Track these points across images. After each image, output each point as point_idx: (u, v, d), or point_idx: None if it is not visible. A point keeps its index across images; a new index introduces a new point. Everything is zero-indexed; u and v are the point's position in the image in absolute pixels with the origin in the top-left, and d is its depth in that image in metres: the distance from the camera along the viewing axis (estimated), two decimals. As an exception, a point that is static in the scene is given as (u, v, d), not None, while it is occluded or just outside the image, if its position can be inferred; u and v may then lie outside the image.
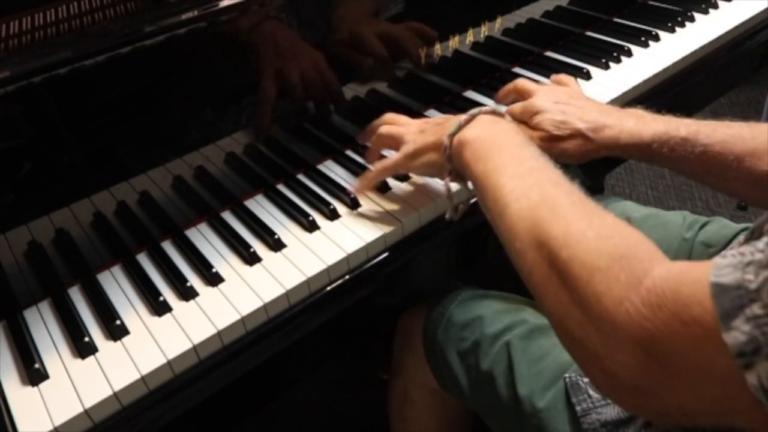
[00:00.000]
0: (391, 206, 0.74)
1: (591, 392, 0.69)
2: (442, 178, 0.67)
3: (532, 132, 0.72)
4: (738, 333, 0.35)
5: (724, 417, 0.40)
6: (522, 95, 0.78)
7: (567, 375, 0.71)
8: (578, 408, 0.68)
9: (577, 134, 0.70)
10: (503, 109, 0.66)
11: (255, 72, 0.78)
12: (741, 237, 0.79)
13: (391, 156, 0.73)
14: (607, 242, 0.45)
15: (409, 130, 0.72)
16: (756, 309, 0.35)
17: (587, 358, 0.45)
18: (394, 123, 0.76)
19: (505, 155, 0.57)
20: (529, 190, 0.52)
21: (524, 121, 0.74)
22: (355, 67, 0.86)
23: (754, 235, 0.37)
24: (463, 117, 0.64)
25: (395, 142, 0.73)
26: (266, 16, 0.74)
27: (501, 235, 0.54)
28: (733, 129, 0.65)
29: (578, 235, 0.46)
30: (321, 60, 0.80)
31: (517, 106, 0.76)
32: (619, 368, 0.41)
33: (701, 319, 0.36)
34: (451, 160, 0.64)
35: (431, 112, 0.92)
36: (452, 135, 0.63)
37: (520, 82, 0.80)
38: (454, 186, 0.67)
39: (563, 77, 0.83)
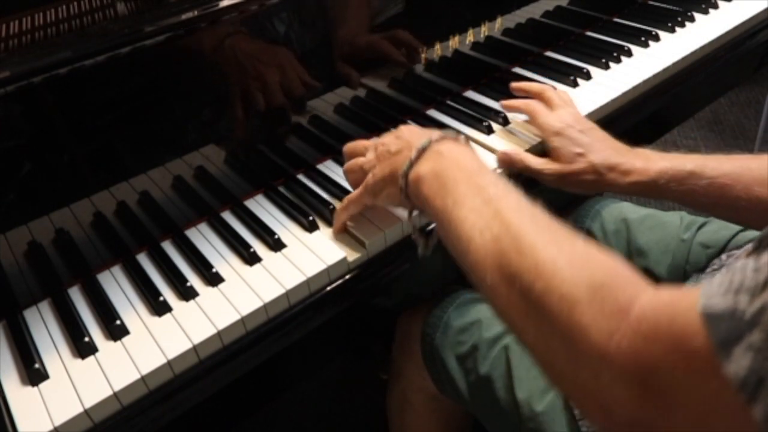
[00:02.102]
0: (393, 207, 0.74)
1: None
2: (410, 212, 0.64)
3: (546, 162, 0.75)
4: (738, 365, 0.32)
5: None
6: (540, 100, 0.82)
7: None
8: (576, 411, 0.68)
9: (591, 170, 0.72)
10: (453, 133, 0.62)
11: (255, 72, 0.78)
12: (739, 239, 0.79)
13: (353, 193, 0.70)
14: (582, 271, 0.42)
15: (368, 160, 0.68)
16: (755, 338, 0.32)
17: (579, 395, 0.42)
18: (353, 153, 0.72)
19: (462, 187, 0.55)
20: (491, 221, 0.49)
21: (543, 134, 0.78)
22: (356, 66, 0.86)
23: (762, 245, 0.35)
24: (413, 153, 0.60)
25: (361, 175, 0.69)
26: (264, 20, 0.74)
27: (470, 272, 0.50)
28: (740, 161, 0.66)
29: (550, 265, 0.44)
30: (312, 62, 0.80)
31: (540, 117, 0.79)
32: (614, 404, 0.38)
33: (702, 350, 0.34)
34: (410, 198, 0.61)
35: (431, 112, 0.92)
36: (405, 173, 0.60)
37: (547, 91, 0.83)
38: (418, 220, 0.65)
39: (563, 95, 0.84)
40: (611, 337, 0.38)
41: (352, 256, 0.69)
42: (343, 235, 0.71)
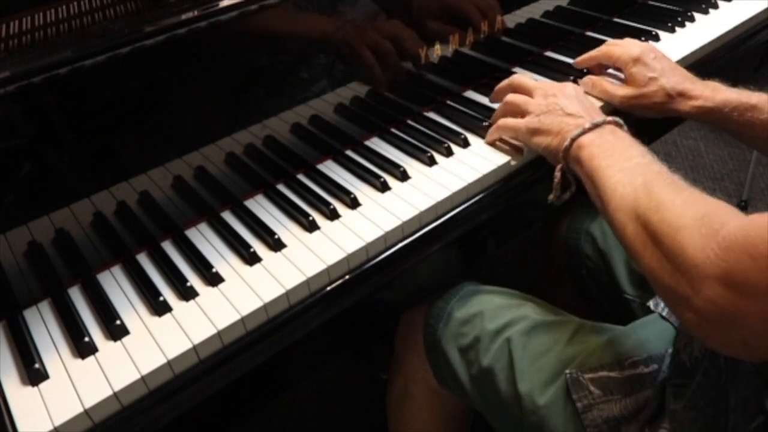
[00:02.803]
0: (392, 206, 0.74)
1: (592, 388, 0.69)
2: (553, 163, 0.75)
3: (621, 87, 0.85)
4: None
5: None
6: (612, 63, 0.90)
7: (568, 371, 0.71)
8: (579, 405, 0.68)
9: (662, 93, 0.81)
10: (621, 120, 0.73)
11: (255, 71, 0.78)
12: None
13: (515, 120, 0.79)
14: (692, 206, 0.54)
15: (537, 103, 0.78)
16: None
17: (678, 302, 0.52)
18: (520, 87, 0.82)
19: (617, 155, 0.66)
20: (634, 178, 0.61)
21: (622, 63, 0.86)
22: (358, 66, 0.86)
23: None
24: (587, 124, 0.71)
25: (519, 110, 0.79)
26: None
27: (607, 215, 0.63)
28: None
29: (668, 204, 0.55)
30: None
31: (617, 50, 0.87)
32: (704, 303, 0.49)
33: (766, 253, 0.46)
34: (567, 157, 0.71)
35: (431, 112, 0.92)
36: (574, 138, 0.70)
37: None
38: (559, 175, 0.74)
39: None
40: (703, 251, 0.50)
41: (352, 256, 0.69)
42: (343, 234, 0.71)
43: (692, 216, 0.52)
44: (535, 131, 0.76)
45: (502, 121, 0.80)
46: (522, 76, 0.84)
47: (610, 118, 0.72)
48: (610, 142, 0.68)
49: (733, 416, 0.58)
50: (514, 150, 0.81)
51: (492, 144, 0.83)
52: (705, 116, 0.80)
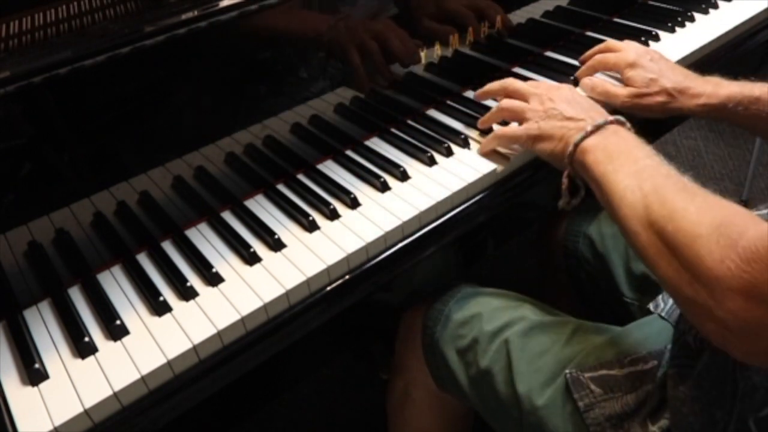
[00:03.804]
0: (392, 206, 0.74)
1: (593, 387, 0.69)
2: (559, 168, 0.73)
3: (622, 88, 0.84)
4: None
5: None
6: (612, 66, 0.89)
7: (568, 371, 0.71)
8: (581, 403, 0.68)
9: (663, 92, 0.80)
10: (623, 119, 0.71)
11: (255, 71, 0.78)
12: None
13: (513, 128, 0.77)
14: (707, 213, 0.52)
15: (534, 109, 0.75)
16: None
17: (699, 313, 0.51)
18: (515, 92, 0.79)
19: (623, 158, 0.64)
20: (643, 183, 0.59)
21: (618, 69, 0.86)
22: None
23: None
24: (589, 126, 0.68)
25: (516, 116, 0.77)
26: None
27: (619, 222, 0.61)
28: None
29: (681, 211, 0.54)
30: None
31: (612, 56, 0.87)
32: (727, 315, 0.48)
33: None
34: (572, 162, 0.69)
35: (431, 112, 0.92)
36: (577, 143, 0.68)
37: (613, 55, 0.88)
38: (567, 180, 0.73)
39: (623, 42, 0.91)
40: (723, 262, 0.48)
41: (352, 256, 0.69)
42: (343, 234, 0.71)
43: (708, 224, 0.51)
44: (536, 138, 0.74)
45: (501, 130, 0.78)
46: (516, 80, 0.81)
47: (611, 118, 0.70)
48: (615, 144, 0.67)
49: (740, 404, 0.58)
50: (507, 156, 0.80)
51: (486, 155, 0.80)
52: (709, 113, 0.80)
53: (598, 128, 0.68)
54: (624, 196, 0.60)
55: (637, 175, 0.61)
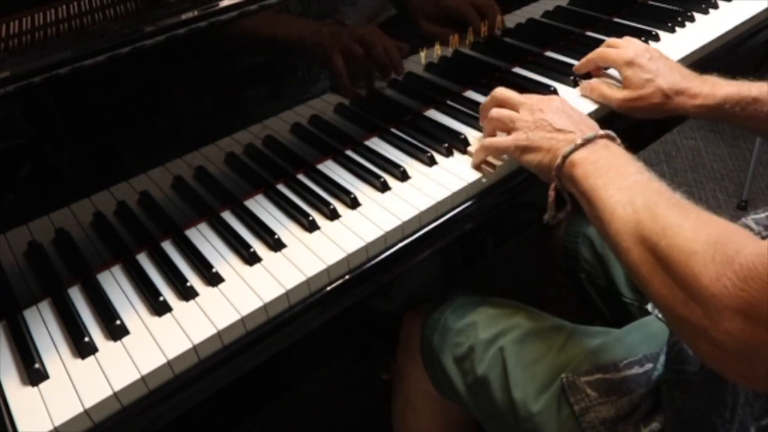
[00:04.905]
0: (392, 206, 0.74)
1: (588, 391, 0.69)
2: (545, 180, 0.71)
3: (618, 90, 0.84)
4: None
5: None
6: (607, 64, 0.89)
7: (564, 375, 0.71)
8: (576, 407, 0.69)
9: (659, 94, 0.80)
10: (611, 132, 0.70)
11: (255, 71, 0.78)
12: None
13: (501, 138, 0.75)
14: (702, 230, 0.50)
15: (524, 119, 0.74)
16: None
17: (693, 333, 0.49)
18: (505, 102, 0.78)
19: (613, 173, 0.62)
20: (634, 199, 0.57)
21: (617, 65, 0.86)
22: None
23: None
24: (579, 140, 0.67)
25: (505, 126, 0.76)
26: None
27: (609, 238, 0.59)
28: None
29: (676, 227, 0.52)
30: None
31: (612, 53, 0.86)
32: (723, 336, 0.46)
33: None
34: (560, 175, 0.68)
35: (431, 112, 0.92)
36: (566, 156, 0.67)
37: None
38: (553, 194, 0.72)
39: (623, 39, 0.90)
40: (719, 280, 0.46)
41: (352, 256, 0.69)
42: (343, 234, 0.71)
43: (704, 241, 0.49)
44: (524, 149, 0.72)
45: (488, 141, 0.76)
46: (505, 90, 0.79)
47: (601, 132, 0.68)
48: (605, 158, 0.65)
49: (741, 411, 0.58)
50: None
51: (477, 168, 0.79)
52: (706, 114, 0.79)
53: (587, 141, 0.67)
54: (615, 211, 0.58)
55: (629, 191, 0.59)
